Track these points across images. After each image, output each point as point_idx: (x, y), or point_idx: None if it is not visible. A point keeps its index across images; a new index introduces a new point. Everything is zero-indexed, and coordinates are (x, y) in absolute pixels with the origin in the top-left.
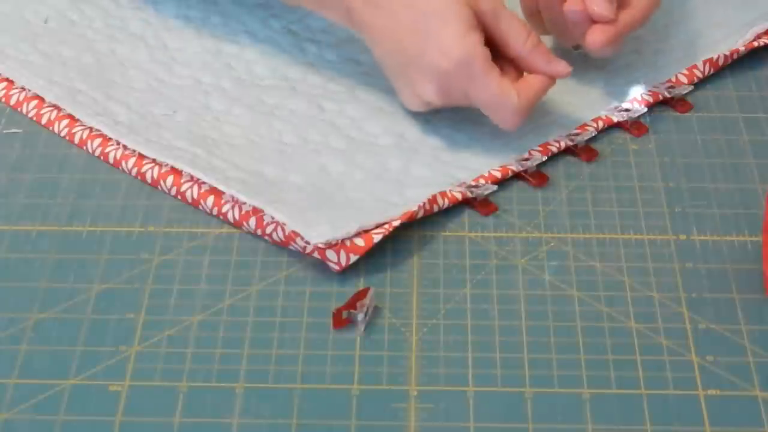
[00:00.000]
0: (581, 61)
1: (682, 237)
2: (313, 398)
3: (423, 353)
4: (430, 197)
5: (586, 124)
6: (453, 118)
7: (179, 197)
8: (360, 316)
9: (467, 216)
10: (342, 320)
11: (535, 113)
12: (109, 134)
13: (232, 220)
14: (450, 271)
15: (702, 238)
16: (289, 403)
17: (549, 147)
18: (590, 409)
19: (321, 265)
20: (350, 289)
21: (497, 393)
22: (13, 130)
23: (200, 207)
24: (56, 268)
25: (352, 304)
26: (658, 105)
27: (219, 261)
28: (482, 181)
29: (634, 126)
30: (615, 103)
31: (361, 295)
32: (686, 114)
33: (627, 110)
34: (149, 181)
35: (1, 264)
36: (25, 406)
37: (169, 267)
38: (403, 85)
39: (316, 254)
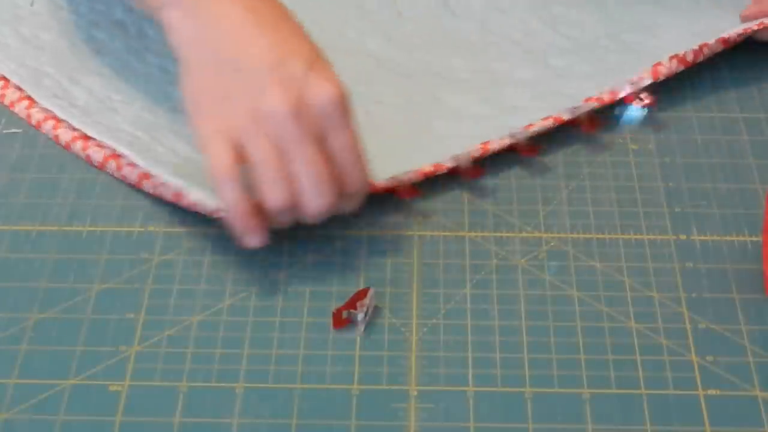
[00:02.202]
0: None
1: (682, 237)
2: (313, 398)
3: (423, 353)
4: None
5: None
6: (402, 121)
7: (124, 179)
8: (360, 316)
9: (467, 216)
10: (342, 320)
11: (480, 117)
12: (61, 116)
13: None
14: (450, 271)
15: (702, 238)
16: (289, 403)
17: (488, 147)
18: (590, 409)
19: (321, 265)
20: (350, 289)
21: (497, 393)
22: (13, 130)
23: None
24: (56, 268)
25: (352, 304)
26: (658, 105)
27: (219, 261)
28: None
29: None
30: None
31: (361, 295)
32: (686, 114)
33: (577, 108)
34: (96, 163)
35: (1, 264)
36: (25, 406)
37: (169, 267)
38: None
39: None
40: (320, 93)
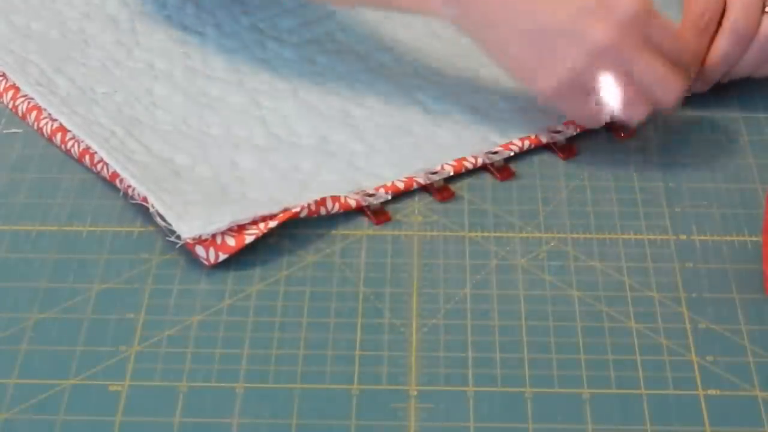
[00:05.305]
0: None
1: (682, 237)
2: (313, 398)
3: (423, 353)
4: (318, 199)
5: (511, 143)
6: (381, 124)
7: (99, 174)
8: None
9: (467, 216)
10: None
11: (458, 126)
12: (42, 104)
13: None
14: (450, 271)
15: (702, 238)
16: (289, 403)
17: (463, 163)
18: (590, 409)
19: (321, 265)
20: (350, 289)
21: (497, 393)
22: (13, 130)
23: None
24: (56, 268)
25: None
26: None
27: (219, 261)
28: (382, 191)
29: (562, 148)
30: (548, 123)
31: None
32: (686, 114)
33: (558, 132)
34: (75, 157)
35: (1, 264)
36: (25, 406)
37: (169, 267)
38: (540, 61)
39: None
40: (625, 6)
